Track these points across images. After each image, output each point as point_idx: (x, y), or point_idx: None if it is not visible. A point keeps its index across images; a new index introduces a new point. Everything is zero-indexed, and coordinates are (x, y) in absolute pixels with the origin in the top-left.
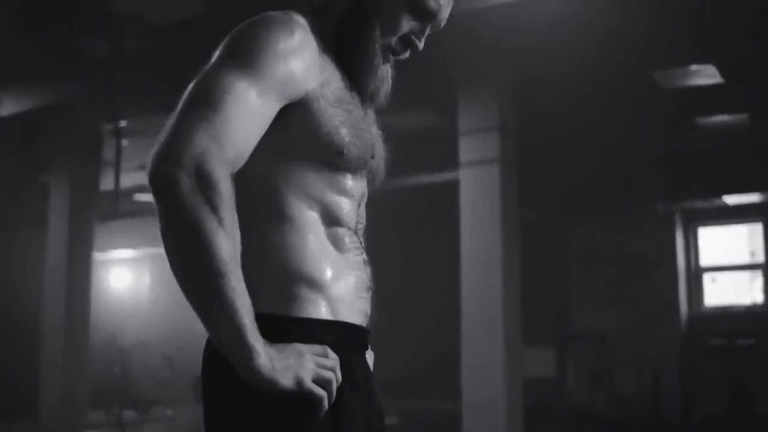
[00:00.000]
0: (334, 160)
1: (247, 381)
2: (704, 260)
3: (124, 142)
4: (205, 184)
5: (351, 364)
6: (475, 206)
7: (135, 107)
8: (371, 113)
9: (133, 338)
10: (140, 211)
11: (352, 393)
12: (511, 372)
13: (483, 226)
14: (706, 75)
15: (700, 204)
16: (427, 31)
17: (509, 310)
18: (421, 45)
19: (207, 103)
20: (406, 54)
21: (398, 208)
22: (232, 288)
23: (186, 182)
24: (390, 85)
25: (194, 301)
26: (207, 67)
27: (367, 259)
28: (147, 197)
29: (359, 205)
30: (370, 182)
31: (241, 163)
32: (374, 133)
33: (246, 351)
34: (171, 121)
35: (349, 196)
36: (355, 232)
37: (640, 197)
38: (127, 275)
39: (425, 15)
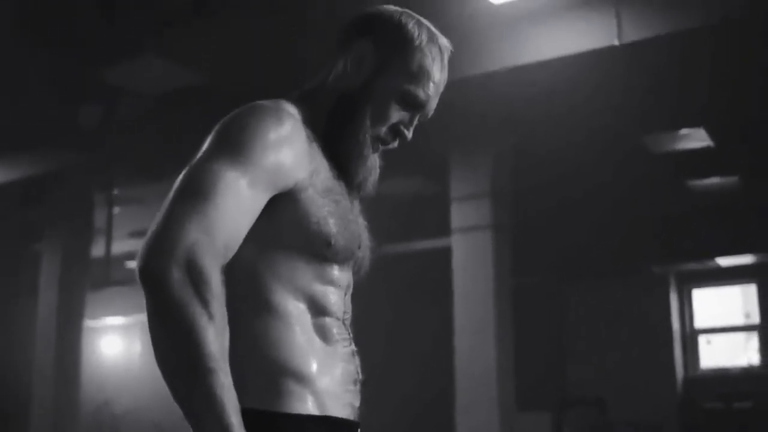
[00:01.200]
0: (321, 250)
1: None
2: (699, 322)
3: (116, 210)
4: (196, 278)
5: None
6: (467, 272)
7: (127, 175)
8: (358, 203)
9: (125, 405)
10: (132, 278)
11: None
12: None
13: (476, 293)
14: (696, 138)
15: (694, 266)
16: (416, 121)
17: (503, 377)
18: (409, 135)
19: (198, 193)
20: (395, 143)
21: (392, 274)
22: (221, 384)
23: (177, 276)
24: (378, 174)
25: (180, 396)
26: (197, 156)
27: (356, 350)
28: None
29: (346, 295)
30: (356, 272)
31: (231, 254)
32: (361, 223)
33: None
34: (161, 211)
35: (336, 287)
36: (343, 323)
37: (634, 260)
38: (119, 342)
39: (414, 105)
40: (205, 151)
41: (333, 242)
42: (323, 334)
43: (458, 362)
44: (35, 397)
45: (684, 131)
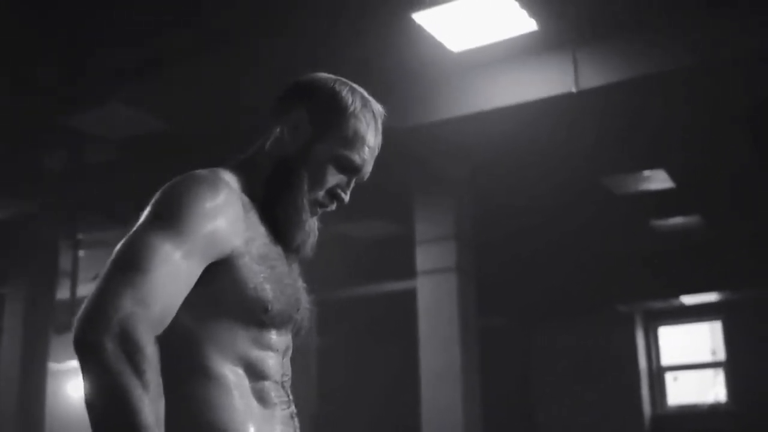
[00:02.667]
0: (259, 316)
1: None
2: (666, 359)
3: (81, 253)
4: (130, 349)
5: None
6: (432, 314)
7: (91, 220)
8: (296, 266)
9: None
10: None
11: None
12: None
13: (441, 334)
14: (657, 180)
15: (659, 304)
16: (352, 184)
17: (469, 417)
18: (346, 198)
19: (132, 266)
20: (333, 206)
21: (357, 316)
22: None
23: (111, 347)
24: (316, 237)
25: None
26: (134, 228)
27: (295, 412)
28: None
29: (284, 359)
30: (296, 335)
31: (166, 324)
32: (299, 286)
33: None
34: (98, 283)
35: (274, 351)
36: (282, 386)
37: (600, 300)
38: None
39: (350, 170)
40: (141, 223)
41: (270, 308)
42: (261, 398)
43: (424, 404)
44: None
45: (645, 173)
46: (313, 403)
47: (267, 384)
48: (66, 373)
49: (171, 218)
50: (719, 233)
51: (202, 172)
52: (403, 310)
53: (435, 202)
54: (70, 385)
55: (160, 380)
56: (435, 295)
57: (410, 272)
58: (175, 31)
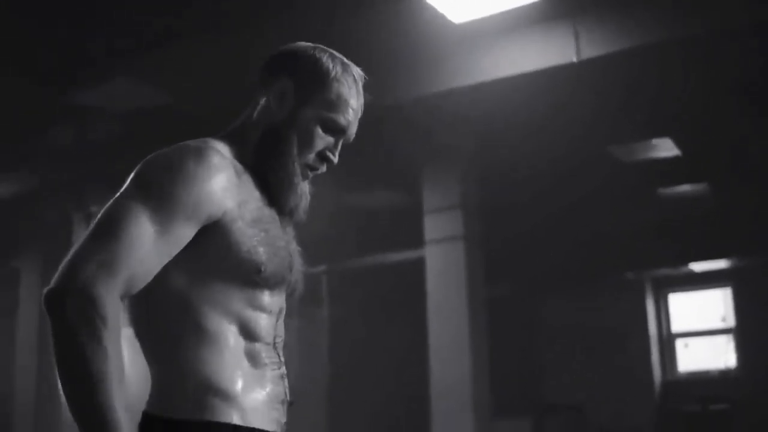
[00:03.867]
0: (252, 277)
1: None
2: (676, 326)
3: None
4: (89, 305)
5: None
6: (440, 283)
7: (101, 192)
8: (291, 229)
9: None
10: None
11: None
12: None
13: (449, 302)
14: (664, 148)
15: (668, 272)
16: (340, 145)
17: (478, 386)
18: (335, 159)
19: (103, 232)
20: (323, 168)
21: (367, 286)
22: (105, 404)
23: (72, 306)
24: (308, 200)
25: (74, 412)
26: (117, 195)
27: (285, 372)
28: None
29: (278, 321)
30: (289, 296)
31: (136, 289)
32: (292, 249)
33: None
34: (75, 245)
35: (267, 312)
36: (274, 347)
37: (609, 268)
38: None
39: (336, 131)
40: (123, 189)
41: (263, 269)
42: (252, 358)
43: (433, 372)
44: (17, 412)
45: (651, 142)
46: (324, 371)
47: (258, 345)
48: None
49: (151, 185)
50: (727, 201)
51: (190, 142)
52: (411, 280)
53: (442, 172)
54: None
55: (118, 338)
56: (443, 264)
57: (418, 242)
58: (179, 6)
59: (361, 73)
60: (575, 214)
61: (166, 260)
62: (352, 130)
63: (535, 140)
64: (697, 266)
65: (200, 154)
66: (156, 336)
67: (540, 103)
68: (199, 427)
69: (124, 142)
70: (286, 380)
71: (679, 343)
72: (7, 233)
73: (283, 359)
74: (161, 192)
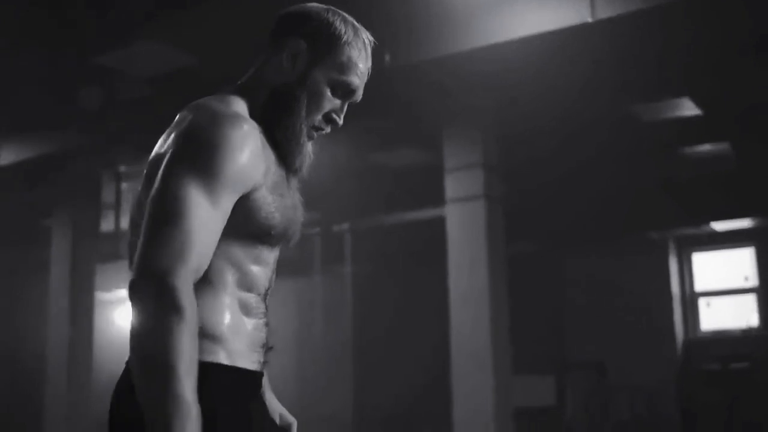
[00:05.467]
0: (261, 237)
1: None
2: (699, 285)
3: (123, 186)
4: (168, 299)
5: (249, 410)
6: (461, 241)
7: (130, 153)
8: (294, 183)
9: None
10: None
11: None
12: (501, 403)
13: (470, 261)
14: (684, 107)
15: (691, 231)
16: (345, 108)
17: (498, 342)
18: (341, 121)
19: (169, 221)
20: (328, 129)
21: (390, 244)
22: (177, 393)
23: (151, 297)
24: (312, 159)
25: (145, 398)
26: (165, 174)
27: (268, 321)
28: None
29: (272, 273)
30: (285, 245)
31: (203, 270)
32: (297, 204)
33: None
34: (142, 237)
35: (265, 265)
36: (264, 299)
37: (631, 227)
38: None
39: (345, 93)
40: (171, 171)
41: (273, 232)
42: (244, 307)
43: (453, 328)
44: (50, 368)
45: (670, 101)
46: (348, 327)
47: (252, 296)
48: (113, 302)
49: (201, 165)
50: (749, 160)
51: (221, 109)
52: (433, 238)
53: (462, 132)
54: (117, 313)
55: (193, 328)
56: (464, 222)
57: (440, 200)
58: None
59: (371, 37)
60: (596, 172)
61: (219, 235)
62: (359, 93)
63: (555, 99)
64: (720, 225)
65: (235, 126)
66: None
67: (558, 62)
68: None
69: (150, 103)
70: (267, 328)
71: (702, 302)
72: (38, 193)
73: (268, 310)
74: (211, 171)
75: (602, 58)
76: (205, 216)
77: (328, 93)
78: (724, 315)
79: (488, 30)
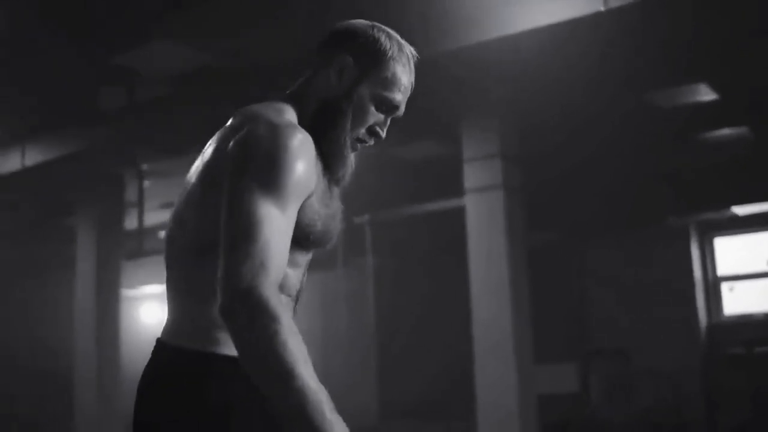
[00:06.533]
0: (300, 242)
1: None
2: (721, 270)
3: (146, 183)
4: (259, 310)
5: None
6: (481, 231)
7: (153, 152)
8: (336, 191)
9: None
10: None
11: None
12: (525, 391)
13: (490, 251)
14: (702, 93)
15: (712, 216)
16: (388, 122)
17: (520, 331)
18: (384, 134)
19: (247, 237)
20: (371, 142)
21: (411, 235)
22: (299, 386)
23: (243, 313)
24: (353, 168)
25: (278, 403)
26: (233, 189)
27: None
28: None
29: (303, 275)
30: (320, 249)
31: (282, 273)
32: (337, 214)
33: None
34: (223, 256)
35: (297, 268)
36: (295, 300)
37: (653, 213)
38: (157, 309)
39: (389, 108)
40: (242, 186)
41: (312, 238)
42: None
43: (475, 318)
44: (78, 366)
45: (687, 87)
46: (370, 318)
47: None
48: (138, 298)
49: (268, 178)
50: (767, 144)
51: (275, 118)
52: (452, 228)
53: (480, 122)
54: (142, 310)
55: (292, 328)
56: (483, 213)
57: (459, 191)
58: None
59: (414, 52)
60: (615, 160)
61: (290, 242)
62: (402, 109)
63: (571, 88)
64: (741, 210)
65: (295, 136)
66: (201, 281)
67: (573, 51)
68: (209, 358)
69: (171, 102)
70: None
71: (725, 287)
72: (62, 192)
73: (296, 308)
74: (277, 182)
75: (616, 46)
76: (278, 226)
77: (373, 108)
78: (748, 299)
79: (503, 21)
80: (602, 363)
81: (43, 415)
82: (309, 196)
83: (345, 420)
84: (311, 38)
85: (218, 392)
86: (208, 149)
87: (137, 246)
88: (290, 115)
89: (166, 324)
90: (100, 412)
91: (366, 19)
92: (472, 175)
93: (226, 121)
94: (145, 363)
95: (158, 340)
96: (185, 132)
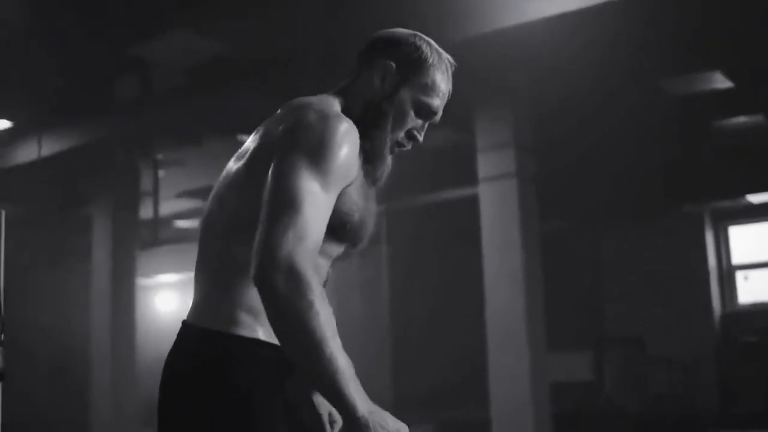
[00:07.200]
0: (336, 231)
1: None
2: (736, 258)
3: (161, 173)
4: (296, 279)
5: (283, 386)
6: (494, 220)
7: (167, 141)
8: (373, 192)
9: None
10: (181, 236)
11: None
12: (538, 379)
13: (503, 239)
14: (715, 81)
15: (727, 204)
16: (425, 127)
17: (533, 319)
18: (421, 138)
19: (289, 207)
20: (409, 146)
21: (425, 224)
22: (329, 356)
23: (281, 280)
24: (389, 170)
25: (305, 369)
26: (280, 162)
27: None
28: (187, 224)
29: (331, 265)
30: (353, 247)
31: (317, 251)
32: (372, 210)
33: (348, 405)
34: (261, 225)
35: (327, 258)
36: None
37: (667, 201)
38: (173, 298)
39: (428, 113)
40: (289, 162)
41: (348, 228)
42: None
43: (488, 306)
44: (94, 353)
45: (701, 75)
46: (384, 306)
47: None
48: (154, 287)
49: (314, 158)
50: None
51: (323, 107)
52: (466, 217)
53: (494, 111)
54: (158, 299)
55: (324, 298)
56: (496, 201)
57: (473, 180)
58: None
59: (453, 60)
60: (630, 148)
61: (327, 222)
62: (440, 114)
63: (585, 77)
64: (757, 198)
65: (342, 123)
66: (229, 264)
67: (586, 40)
68: (224, 336)
69: (186, 92)
70: None
71: (739, 275)
72: (78, 182)
73: None
74: (323, 163)
75: (628, 35)
76: (320, 204)
77: (412, 113)
78: (762, 288)
79: (515, 11)
80: (616, 351)
81: (59, 401)
82: (349, 185)
83: None
84: (327, 29)
85: (239, 373)
86: (255, 135)
87: (153, 235)
88: (338, 108)
89: (192, 306)
90: (116, 399)
91: (381, 9)
92: (486, 164)
93: (243, 112)
94: (160, 350)
95: (183, 322)
96: (201, 122)
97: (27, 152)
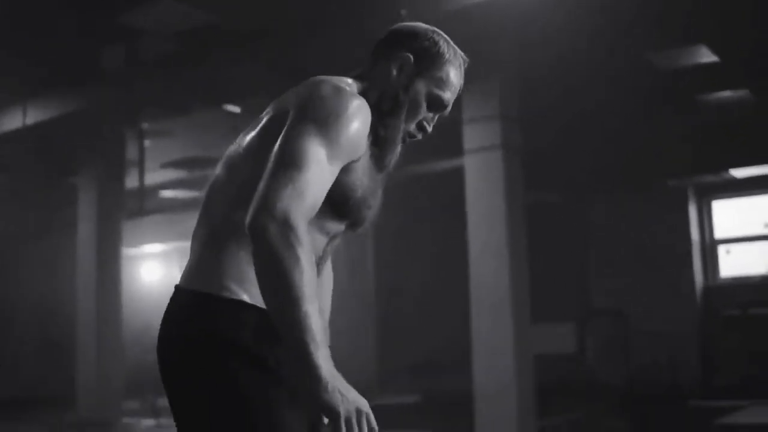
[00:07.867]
0: (335, 206)
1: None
2: (719, 233)
3: (147, 143)
4: (288, 230)
5: (266, 348)
6: (479, 191)
7: (154, 111)
8: (380, 178)
9: None
10: (166, 207)
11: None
12: (521, 351)
13: (489, 211)
14: (701, 55)
15: (711, 178)
16: (435, 119)
17: (517, 291)
18: (430, 129)
19: (292, 165)
20: (419, 136)
21: (410, 196)
22: (304, 311)
23: (274, 229)
24: (397, 158)
25: (278, 320)
26: (291, 128)
27: None
28: (172, 194)
29: (328, 243)
30: (353, 229)
31: (314, 214)
32: (378, 195)
33: (313, 364)
34: (264, 178)
35: (324, 234)
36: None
37: (651, 175)
38: (158, 268)
39: (439, 106)
40: (297, 125)
41: (350, 203)
42: None
43: (473, 278)
44: (79, 322)
45: (687, 49)
46: (371, 278)
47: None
48: (139, 257)
49: (324, 126)
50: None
51: (340, 84)
52: (451, 188)
53: (480, 83)
54: (144, 268)
55: (311, 254)
56: (482, 173)
57: (458, 151)
58: None
59: (465, 57)
60: (615, 121)
61: (327, 191)
62: (450, 108)
63: (572, 50)
64: (740, 172)
65: (355, 100)
66: (227, 229)
67: (573, 11)
68: (213, 298)
69: (173, 61)
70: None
71: (722, 249)
72: (64, 151)
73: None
74: (332, 132)
75: (617, 7)
76: (323, 169)
77: (425, 105)
78: (744, 261)
79: None
80: (599, 323)
81: (45, 371)
82: (355, 161)
83: (344, 378)
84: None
85: (226, 333)
86: (272, 106)
87: (138, 205)
88: (355, 89)
89: (184, 270)
90: (101, 369)
91: None
92: (472, 136)
93: (232, 82)
94: (145, 320)
95: (176, 287)
96: (187, 91)
97: (12, 120)
